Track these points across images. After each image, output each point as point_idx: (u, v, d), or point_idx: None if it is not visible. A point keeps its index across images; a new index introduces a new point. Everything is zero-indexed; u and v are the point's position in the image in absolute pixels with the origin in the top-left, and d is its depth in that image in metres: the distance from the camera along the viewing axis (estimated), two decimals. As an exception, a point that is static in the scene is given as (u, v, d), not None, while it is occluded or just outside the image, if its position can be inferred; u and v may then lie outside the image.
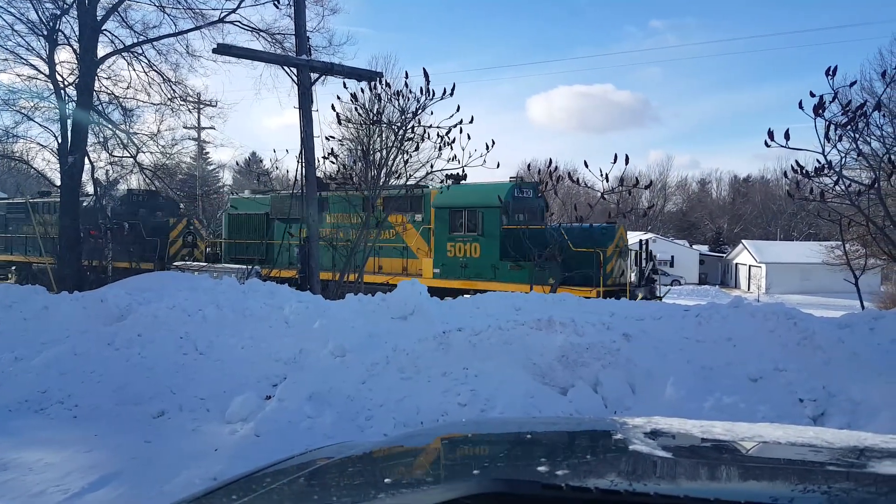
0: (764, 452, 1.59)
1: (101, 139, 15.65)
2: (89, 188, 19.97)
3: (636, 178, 12.37)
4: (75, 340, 6.63)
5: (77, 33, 14.10)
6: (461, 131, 10.48)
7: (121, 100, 15.53)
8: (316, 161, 11.36)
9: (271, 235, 18.11)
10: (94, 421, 5.52)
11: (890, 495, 1.22)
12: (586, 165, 10.81)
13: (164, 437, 5.18)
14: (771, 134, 7.69)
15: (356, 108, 11.39)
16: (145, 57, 15.17)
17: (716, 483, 1.35)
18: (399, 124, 11.08)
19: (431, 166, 11.51)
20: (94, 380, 6.08)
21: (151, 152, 16.16)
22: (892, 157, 8.62)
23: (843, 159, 8.30)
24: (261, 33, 14.99)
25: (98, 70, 14.39)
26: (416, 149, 11.44)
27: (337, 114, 11.45)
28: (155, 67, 15.32)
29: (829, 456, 1.50)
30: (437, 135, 10.76)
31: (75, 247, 14.37)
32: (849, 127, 7.92)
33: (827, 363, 5.14)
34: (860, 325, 5.55)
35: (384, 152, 11.46)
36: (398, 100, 10.88)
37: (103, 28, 14.29)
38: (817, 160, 8.06)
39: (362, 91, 11.29)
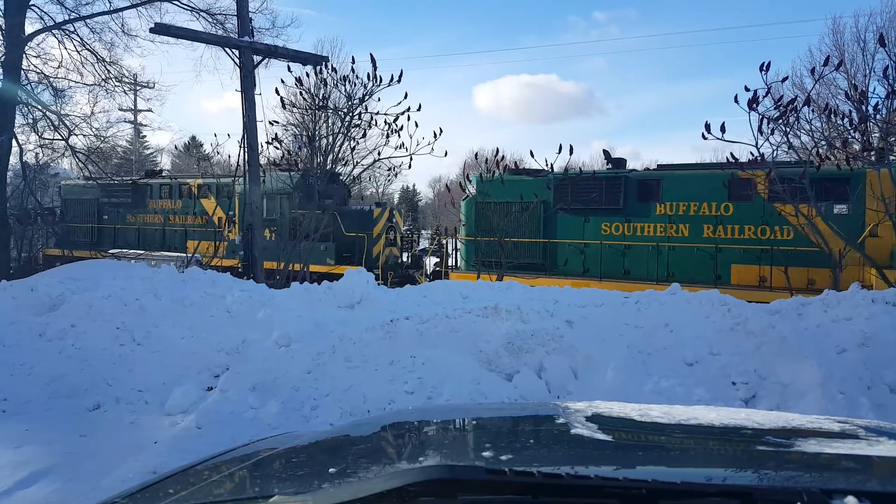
0: (699, 434, 1.66)
1: (30, 121, 14.88)
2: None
3: (580, 168, 12.57)
4: (3, 331, 6.33)
5: (1, 8, 13.34)
6: (409, 118, 10.42)
7: (51, 79, 14.79)
8: (259, 146, 11.11)
9: (552, 232, 13.31)
10: (25, 415, 5.29)
11: (814, 472, 1.28)
12: (532, 155, 10.94)
13: (101, 430, 5.01)
14: (708, 127, 7.94)
15: (301, 93, 11.17)
16: (77, 35, 14.49)
17: (654, 465, 1.40)
18: (345, 110, 10.93)
19: (379, 153, 11.41)
20: (25, 372, 5.82)
21: (84, 135, 15.45)
22: (820, 150, 9.02)
23: (775, 152, 8.65)
24: (201, 13, 14.53)
25: (26, 48, 13.66)
26: (364, 135, 11.32)
27: (281, 98, 11.22)
28: (88, 46, 14.65)
29: (759, 437, 1.57)
30: (385, 122, 10.67)
31: (1, 233, 13.67)
32: (780, 121, 8.24)
33: (758, 347, 5.37)
34: (789, 311, 5.80)
35: (330, 138, 11.30)
36: (345, 85, 10.72)
37: (31, 3, 13.56)
38: (751, 153, 8.38)
39: (307, 75, 11.08)
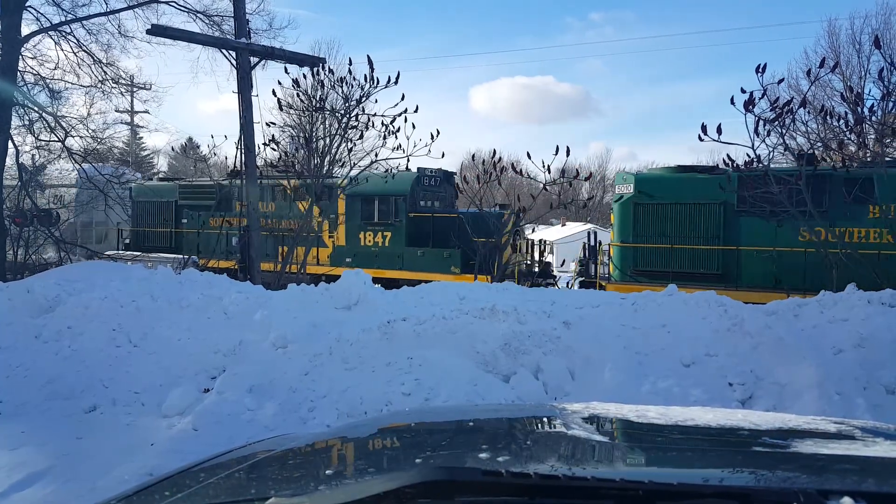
0: (696, 435, 1.66)
1: (27, 122, 14.84)
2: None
3: (576, 170, 12.58)
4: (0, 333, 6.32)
5: (-2, 9, 13.32)
6: (406, 120, 10.43)
7: (47, 81, 14.78)
8: (256, 148, 11.10)
9: (734, 237, 11.37)
10: (21, 417, 5.28)
11: (811, 473, 1.29)
12: (529, 157, 10.94)
13: (97, 432, 5.00)
14: (704, 128, 7.96)
15: (298, 95, 11.18)
16: (74, 36, 14.48)
17: (651, 466, 1.40)
18: (342, 112, 10.93)
19: (376, 155, 11.42)
20: (21, 374, 5.81)
21: (81, 136, 15.42)
22: (816, 152, 9.04)
23: (771, 153, 8.68)
24: (198, 15, 14.53)
25: (22, 49, 13.63)
26: (361, 137, 11.32)
27: (278, 99, 11.21)
28: (84, 48, 14.64)
29: (756, 437, 1.57)
30: (382, 123, 10.68)
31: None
32: (776, 122, 8.27)
33: (755, 348, 5.37)
34: (785, 312, 5.81)
35: (327, 140, 11.29)
36: (342, 87, 10.74)
37: (27, 4, 13.55)
38: (747, 154, 8.42)
39: (304, 77, 11.10)
